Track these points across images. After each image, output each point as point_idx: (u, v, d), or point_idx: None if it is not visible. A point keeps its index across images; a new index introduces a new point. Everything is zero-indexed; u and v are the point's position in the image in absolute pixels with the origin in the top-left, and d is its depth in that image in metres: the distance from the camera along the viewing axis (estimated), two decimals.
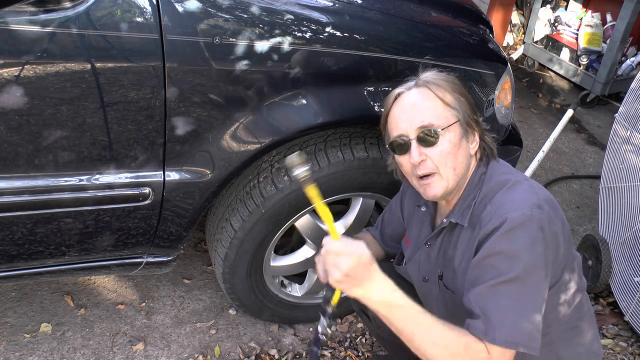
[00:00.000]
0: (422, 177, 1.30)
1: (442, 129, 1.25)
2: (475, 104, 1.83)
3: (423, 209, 1.45)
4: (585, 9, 4.21)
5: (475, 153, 1.33)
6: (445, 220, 1.34)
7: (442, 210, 1.40)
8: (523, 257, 1.15)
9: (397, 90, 1.33)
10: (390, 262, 1.63)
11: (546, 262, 1.18)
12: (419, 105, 1.28)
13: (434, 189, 1.28)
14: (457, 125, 1.27)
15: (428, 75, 1.33)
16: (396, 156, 1.34)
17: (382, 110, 1.37)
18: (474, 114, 1.32)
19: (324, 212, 1.18)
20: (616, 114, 2.47)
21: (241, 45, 1.43)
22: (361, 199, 1.90)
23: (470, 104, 1.32)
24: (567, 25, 4.22)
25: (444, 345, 1.13)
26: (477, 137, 1.33)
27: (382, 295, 1.12)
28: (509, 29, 4.91)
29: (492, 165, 1.33)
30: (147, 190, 1.54)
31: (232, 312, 2.17)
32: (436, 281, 1.39)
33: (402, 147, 1.29)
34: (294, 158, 1.13)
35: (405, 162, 1.31)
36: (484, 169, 1.33)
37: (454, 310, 1.34)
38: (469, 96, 1.33)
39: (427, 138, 1.26)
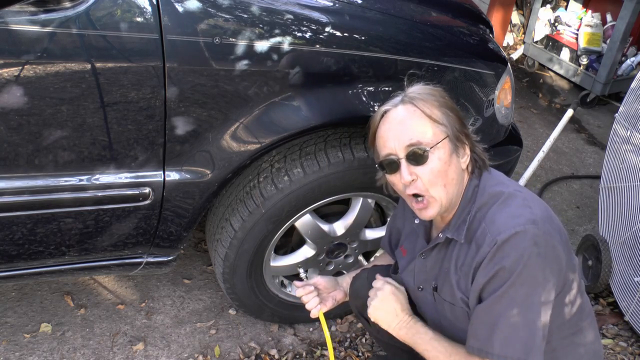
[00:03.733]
0: (416, 198, 1.29)
1: (431, 147, 1.24)
2: (475, 104, 1.85)
3: (417, 221, 1.44)
4: (585, 9, 4.20)
5: (467, 166, 1.32)
6: (441, 235, 1.33)
7: (438, 223, 1.39)
8: (515, 273, 1.16)
9: (383, 108, 1.31)
10: (388, 269, 1.63)
11: (544, 275, 1.19)
12: (407, 123, 1.26)
13: (428, 212, 1.28)
14: (446, 142, 1.26)
15: (414, 90, 1.30)
16: (387, 175, 1.32)
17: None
18: (464, 127, 1.30)
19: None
20: (616, 114, 2.47)
21: (241, 45, 1.43)
22: (361, 199, 1.90)
23: (458, 117, 1.30)
24: (567, 25, 4.22)
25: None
26: (467, 151, 1.31)
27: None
28: (509, 29, 4.91)
29: (484, 177, 1.32)
30: (147, 190, 1.54)
31: (232, 312, 2.17)
32: (431, 292, 1.40)
33: (392, 166, 1.28)
34: None
35: (396, 181, 1.30)
36: (476, 182, 1.32)
37: (454, 318, 1.35)
38: (457, 109, 1.31)
39: (417, 157, 1.24)
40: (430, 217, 1.30)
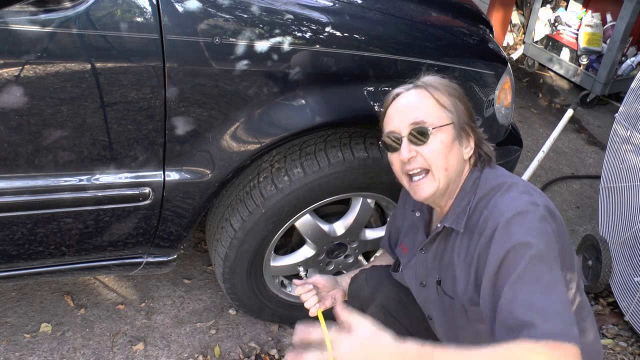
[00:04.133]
0: (412, 178, 1.29)
1: (434, 128, 1.25)
2: (475, 104, 1.85)
3: (417, 214, 1.44)
4: (585, 9, 4.21)
5: (469, 158, 1.33)
6: (439, 225, 1.33)
7: (437, 216, 1.40)
8: (531, 248, 1.09)
9: (396, 90, 1.34)
10: (387, 269, 1.62)
11: (556, 251, 1.14)
12: (414, 104, 1.29)
13: (424, 189, 1.28)
14: (450, 127, 1.27)
15: (429, 78, 1.34)
16: (388, 154, 1.34)
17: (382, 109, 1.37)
18: (471, 121, 1.32)
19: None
20: (616, 114, 2.48)
21: (241, 45, 1.44)
22: (361, 199, 1.90)
23: (467, 110, 1.32)
24: (567, 25, 4.22)
25: None
26: (472, 143, 1.32)
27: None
28: (509, 29, 4.91)
29: (487, 171, 1.32)
30: (147, 190, 1.54)
31: (232, 312, 2.17)
32: (434, 287, 1.39)
33: (394, 144, 1.30)
34: None
35: (395, 160, 1.31)
36: (478, 174, 1.32)
37: (452, 315, 1.33)
38: (467, 103, 1.33)
39: (418, 135, 1.26)
40: (426, 197, 1.28)
